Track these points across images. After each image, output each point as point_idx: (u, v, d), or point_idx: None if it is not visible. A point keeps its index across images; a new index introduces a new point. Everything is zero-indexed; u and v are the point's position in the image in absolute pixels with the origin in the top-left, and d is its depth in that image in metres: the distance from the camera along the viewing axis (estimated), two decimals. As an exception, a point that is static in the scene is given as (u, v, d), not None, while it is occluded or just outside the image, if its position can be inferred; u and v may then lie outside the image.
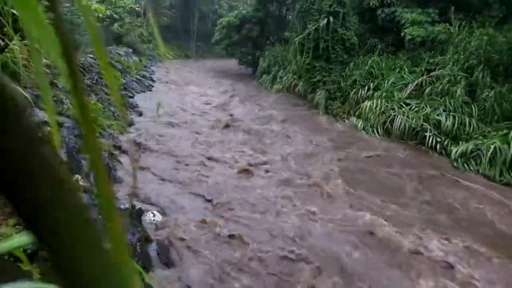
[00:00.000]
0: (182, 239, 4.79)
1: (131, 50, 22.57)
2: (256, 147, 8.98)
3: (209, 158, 7.98)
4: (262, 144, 9.32)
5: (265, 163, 7.96)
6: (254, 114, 12.38)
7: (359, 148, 9.28)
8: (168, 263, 4.30)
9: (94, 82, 10.32)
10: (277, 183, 6.98)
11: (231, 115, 11.83)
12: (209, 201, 6.08)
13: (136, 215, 4.97)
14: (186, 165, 7.50)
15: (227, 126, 10.64)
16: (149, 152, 7.91)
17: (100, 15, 16.72)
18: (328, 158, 8.42)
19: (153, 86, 17.09)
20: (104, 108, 9.07)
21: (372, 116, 10.54)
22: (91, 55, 11.28)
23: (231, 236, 4.96)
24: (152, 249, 4.45)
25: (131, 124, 9.79)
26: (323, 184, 6.89)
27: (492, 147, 7.74)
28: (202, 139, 9.34)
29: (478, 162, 7.95)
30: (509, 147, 7.51)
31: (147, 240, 4.55)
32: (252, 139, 9.68)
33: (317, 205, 6.14)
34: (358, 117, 11.23)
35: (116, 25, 23.09)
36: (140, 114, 11.15)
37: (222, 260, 4.44)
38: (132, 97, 13.16)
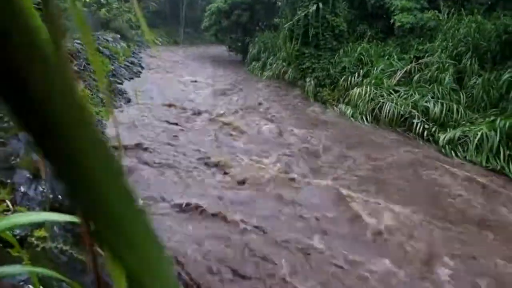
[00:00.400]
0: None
1: (119, 36, 22.28)
2: (260, 151, 7.95)
3: (206, 163, 7.23)
4: (265, 145, 8.39)
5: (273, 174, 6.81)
6: (247, 104, 12.13)
7: (372, 149, 8.41)
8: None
9: (82, 68, 10.20)
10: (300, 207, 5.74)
11: (221, 106, 11.58)
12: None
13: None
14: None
15: (217, 120, 10.31)
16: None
17: (87, 0, 16.50)
18: (342, 165, 7.45)
19: (141, 73, 16.96)
20: (92, 95, 9.00)
21: (361, 103, 10.58)
22: (78, 41, 11.13)
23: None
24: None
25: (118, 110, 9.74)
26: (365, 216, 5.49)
27: (479, 133, 7.83)
28: (191, 136, 8.98)
29: (466, 148, 8.05)
30: (496, 134, 7.61)
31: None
32: (249, 138, 8.88)
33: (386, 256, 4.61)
34: (347, 104, 11.26)
35: (103, 10, 22.77)
36: (129, 101, 11.10)
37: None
38: (121, 84, 13.06)
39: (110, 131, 7.50)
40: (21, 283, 2.12)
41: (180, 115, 10.22)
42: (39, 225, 2.64)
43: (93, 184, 0.30)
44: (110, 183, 0.31)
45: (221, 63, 22.27)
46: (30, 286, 2.10)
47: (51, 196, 3.43)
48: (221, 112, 10.86)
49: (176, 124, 9.45)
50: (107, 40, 18.82)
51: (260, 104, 12.11)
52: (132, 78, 14.95)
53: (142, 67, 18.34)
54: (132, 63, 18.01)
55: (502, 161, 7.35)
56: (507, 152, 7.39)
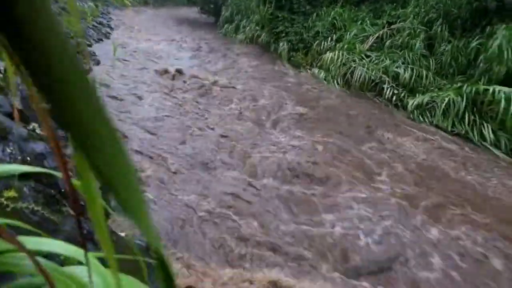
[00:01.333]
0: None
1: (86, -5, 21.41)
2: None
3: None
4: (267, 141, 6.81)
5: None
6: (224, 73, 11.86)
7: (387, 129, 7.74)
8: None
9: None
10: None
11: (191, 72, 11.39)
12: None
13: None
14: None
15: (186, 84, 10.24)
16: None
17: (52, -44, 15.70)
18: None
19: (110, 34, 16.44)
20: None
21: (333, 68, 10.62)
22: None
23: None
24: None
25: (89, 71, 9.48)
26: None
27: (446, 99, 8.03)
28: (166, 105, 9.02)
29: (433, 114, 8.26)
30: (462, 100, 7.82)
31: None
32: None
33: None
34: (320, 68, 11.30)
35: (69, -33, 21.71)
36: (98, 63, 10.82)
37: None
38: (90, 46, 12.62)
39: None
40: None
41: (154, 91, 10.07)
42: (9, 185, 2.62)
43: (64, 90, 0.32)
44: (77, 84, 0.32)
45: (192, 25, 21.73)
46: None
47: (19, 157, 3.38)
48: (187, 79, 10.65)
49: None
50: (74, -1, 18.04)
51: (236, 68, 12.01)
52: (101, 40, 14.48)
53: (112, 28, 17.77)
54: (100, 23, 17.39)
55: (466, 125, 7.60)
56: (472, 117, 7.64)
